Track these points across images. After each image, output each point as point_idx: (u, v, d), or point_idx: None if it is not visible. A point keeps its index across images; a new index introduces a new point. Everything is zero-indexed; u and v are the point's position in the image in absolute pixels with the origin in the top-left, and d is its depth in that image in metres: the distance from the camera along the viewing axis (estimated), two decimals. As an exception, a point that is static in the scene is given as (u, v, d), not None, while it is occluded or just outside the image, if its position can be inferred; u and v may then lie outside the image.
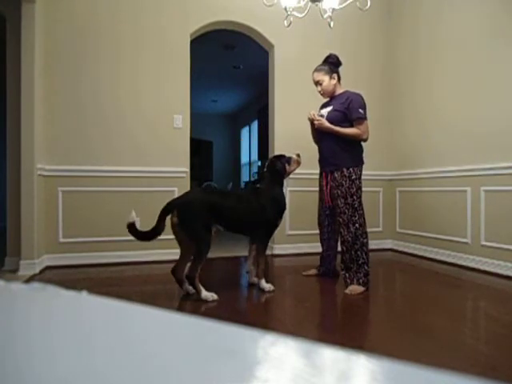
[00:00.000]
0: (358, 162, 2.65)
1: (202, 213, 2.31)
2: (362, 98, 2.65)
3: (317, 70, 2.76)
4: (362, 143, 2.70)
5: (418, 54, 3.91)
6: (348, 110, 2.60)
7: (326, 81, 2.71)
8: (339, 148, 2.62)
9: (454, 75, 3.46)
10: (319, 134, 2.75)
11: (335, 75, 2.73)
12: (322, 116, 2.72)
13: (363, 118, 2.59)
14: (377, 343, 1.73)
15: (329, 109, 2.72)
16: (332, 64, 2.75)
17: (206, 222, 2.32)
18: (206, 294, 2.28)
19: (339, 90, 2.75)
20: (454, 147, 3.45)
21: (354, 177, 2.59)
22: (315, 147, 2.94)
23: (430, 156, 3.76)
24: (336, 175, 2.64)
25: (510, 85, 2.93)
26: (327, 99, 2.83)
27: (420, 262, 3.58)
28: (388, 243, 4.24)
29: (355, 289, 2.47)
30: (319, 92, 2.79)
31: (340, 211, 2.60)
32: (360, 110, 2.57)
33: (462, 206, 3.33)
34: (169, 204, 2.38)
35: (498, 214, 2.99)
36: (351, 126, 2.62)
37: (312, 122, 2.70)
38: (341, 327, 1.99)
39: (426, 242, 3.76)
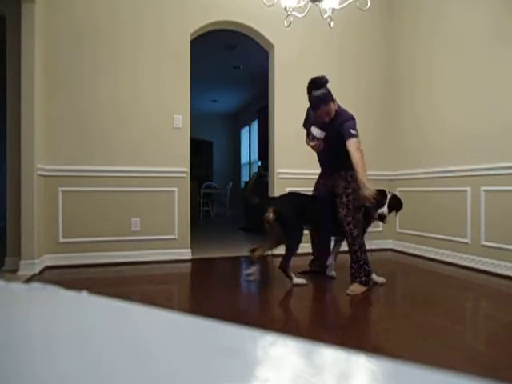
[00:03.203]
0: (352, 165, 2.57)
1: (295, 215, 2.65)
2: (353, 118, 2.55)
3: (325, 103, 2.50)
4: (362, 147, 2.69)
5: (418, 55, 3.91)
6: (342, 132, 2.50)
7: (333, 108, 2.55)
8: (337, 158, 2.63)
9: (453, 75, 3.46)
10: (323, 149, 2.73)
11: (335, 97, 2.56)
12: (316, 139, 2.62)
13: (354, 136, 2.48)
14: (377, 343, 1.73)
15: (321, 133, 2.60)
16: (326, 86, 2.53)
17: (299, 223, 2.68)
18: (296, 280, 2.67)
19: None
20: (453, 147, 3.45)
21: (349, 179, 2.61)
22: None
23: (429, 156, 3.76)
24: (335, 176, 2.70)
25: (510, 85, 2.93)
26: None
27: (420, 261, 3.58)
28: (388, 243, 4.24)
29: (356, 289, 2.47)
30: (325, 120, 2.58)
31: (337, 209, 2.66)
32: (352, 132, 2.47)
33: (462, 206, 3.33)
34: (266, 197, 2.80)
35: (498, 213, 2.99)
36: (343, 145, 2.52)
37: (313, 147, 2.72)
38: (341, 327, 1.99)
39: (426, 241, 3.76)
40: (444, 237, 3.53)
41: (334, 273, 2.91)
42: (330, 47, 4.06)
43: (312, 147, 2.73)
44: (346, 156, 2.51)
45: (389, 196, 2.69)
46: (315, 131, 2.63)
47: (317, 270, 3.01)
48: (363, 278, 2.53)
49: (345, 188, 2.61)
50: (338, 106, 2.63)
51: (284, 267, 2.66)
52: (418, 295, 2.44)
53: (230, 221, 8.14)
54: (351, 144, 2.45)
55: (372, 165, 4.18)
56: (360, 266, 2.54)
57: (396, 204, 2.74)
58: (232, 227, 6.71)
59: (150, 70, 3.56)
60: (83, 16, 3.39)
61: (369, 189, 2.40)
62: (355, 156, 2.43)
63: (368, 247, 2.69)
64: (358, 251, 2.55)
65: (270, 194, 4.07)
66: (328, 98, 2.51)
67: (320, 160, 2.90)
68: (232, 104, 9.98)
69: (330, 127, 2.59)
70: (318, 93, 2.50)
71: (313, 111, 2.61)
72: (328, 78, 2.57)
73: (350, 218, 2.56)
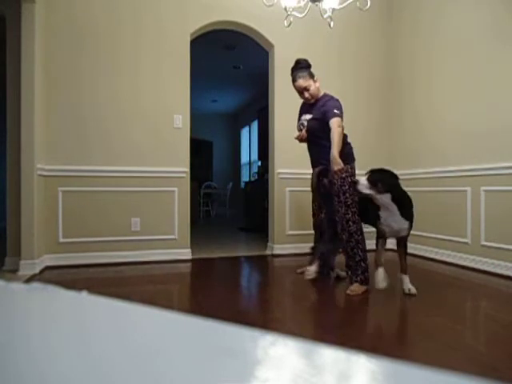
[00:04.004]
0: (348, 160, 2.60)
1: None
2: (339, 102, 2.63)
3: (300, 76, 2.70)
4: (350, 140, 2.73)
5: (418, 55, 3.91)
6: (325, 116, 2.57)
7: (313, 85, 2.69)
8: (327, 148, 2.57)
9: (453, 75, 3.46)
10: (308, 137, 2.76)
11: (316, 78, 2.73)
12: (302, 125, 2.78)
13: (337, 115, 2.52)
14: (377, 343, 1.73)
15: (308, 117, 2.74)
16: (307, 68, 2.73)
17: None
18: (310, 268, 2.63)
19: (320, 93, 2.75)
20: (453, 147, 3.45)
21: (344, 174, 2.54)
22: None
23: (429, 156, 3.76)
24: (328, 174, 2.64)
25: (510, 85, 2.93)
26: (303, 101, 2.84)
27: (420, 261, 3.58)
28: (388, 243, 4.23)
29: (356, 289, 2.47)
30: (306, 98, 2.73)
31: (334, 209, 2.62)
32: (335, 111, 2.53)
33: (462, 206, 3.33)
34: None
35: (498, 214, 2.99)
36: (327, 129, 2.55)
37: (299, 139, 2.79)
38: (341, 327, 1.98)
39: (426, 241, 3.76)
40: (444, 237, 3.53)
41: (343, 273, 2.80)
42: (330, 47, 4.06)
43: (297, 138, 2.80)
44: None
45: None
46: (303, 117, 2.79)
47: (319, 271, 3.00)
48: (360, 277, 2.51)
49: (340, 186, 2.56)
50: (325, 93, 2.74)
51: (317, 251, 2.70)
52: (418, 295, 2.43)
53: (230, 221, 8.15)
54: (333, 122, 2.51)
55: (372, 165, 4.16)
56: (356, 263, 2.52)
57: (381, 179, 2.29)
58: (232, 227, 6.71)
59: (150, 70, 3.56)
60: (83, 16, 3.39)
61: (339, 164, 2.41)
62: (335, 131, 2.49)
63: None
64: (354, 248, 2.53)
65: (270, 194, 4.07)
66: (306, 70, 2.71)
67: (309, 153, 2.87)
68: (232, 104, 9.98)
69: (314, 108, 2.71)
70: (298, 65, 2.75)
71: (293, 84, 2.79)
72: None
73: (349, 215, 2.54)
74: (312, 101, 2.74)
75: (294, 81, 2.75)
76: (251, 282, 3.08)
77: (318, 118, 2.65)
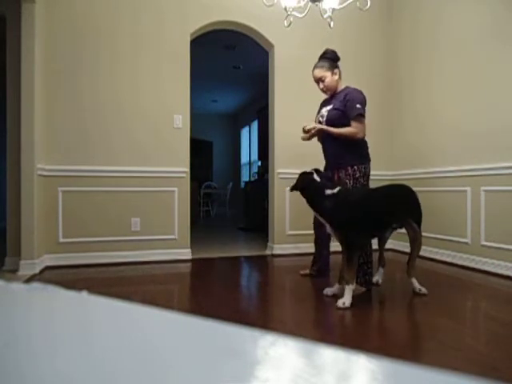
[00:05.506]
0: (363, 160, 2.55)
1: None
2: (362, 94, 2.56)
3: (317, 66, 2.67)
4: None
5: (418, 54, 3.91)
6: (346, 107, 2.51)
7: (329, 77, 2.63)
8: (342, 146, 2.53)
9: (453, 75, 3.46)
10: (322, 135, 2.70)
11: (337, 70, 2.66)
12: (322, 117, 2.68)
13: (361, 115, 2.47)
14: (377, 343, 1.73)
15: (329, 107, 2.64)
16: (331, 60, 2.67)
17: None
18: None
19: (341, 86, 2.68)
20: (453, 147, 3.45)
21: (358, 175, 2.50)
22: (315, 147, 2.94)
23: (429, 156, 3.76)
24: (341, 174, 2.57)
25: (510, 85, 2.93)
26: (327, 96, 2.76)
27: (420, 262, 3.58)
28: (388, 243, 4.23)
29: (356, 290, 2.45)
30: (322, 89, 2.70)
31: None
32: (358, 106, 2.46)
33: (462, 206, 3.33)
34: None
35: (498, 213, 2.99)
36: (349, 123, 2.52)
37: (308, 133, 2.63)
38: (341, 327, 1.98)
39: (426, 241, 3.75)
40: (444, 237, 3.53)
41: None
42: (330, 47, 4.05)
43: (305, 136, 2.69)
44: (352, 144, 2.50)
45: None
46: (323, 109, 2.71)
47: (315, 274, 2.98)
48: (361, 279, 2.50)
49: (352, 186, 2.51)
50: (347, 86, 2.67)
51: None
52: (418, 295, 2.44)
53: (230, 221, 8.15)
54: (358, 126, 2.46)
55: (372, 165, 4.17)
56: (359, 265, 2.50)
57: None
58: (232, 227, 6.71)
59: (150, 69, 3.56)
60: (83, 16, 3.39)
61: (320, 128, 2.54)
62: (356, 129, 2.46)
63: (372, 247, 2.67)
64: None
65: (270, 194, 4.07)
66: (328, 61, 2.66)
67: (324, 151, 2.76)
68: (232, 104, 9.98)
69: (335, 98, 2.64)
70: (323, 55, 2.72)
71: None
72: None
73: None
74: (328, 93, 2.70)
75: (312, 70, 2.73)
76: (251, 281, 3.08)
77: (339, 107, 2.56)
